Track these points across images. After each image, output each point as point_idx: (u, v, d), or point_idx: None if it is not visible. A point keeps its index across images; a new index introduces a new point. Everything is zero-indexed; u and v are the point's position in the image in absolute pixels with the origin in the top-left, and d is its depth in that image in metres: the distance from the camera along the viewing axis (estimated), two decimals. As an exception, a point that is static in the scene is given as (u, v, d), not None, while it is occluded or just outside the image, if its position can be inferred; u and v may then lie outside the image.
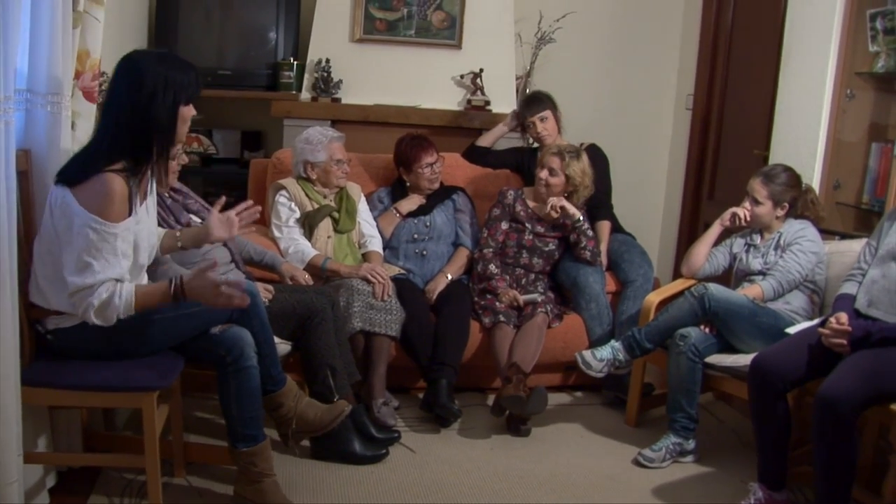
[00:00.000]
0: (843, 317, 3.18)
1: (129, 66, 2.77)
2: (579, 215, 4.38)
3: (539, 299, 4.32)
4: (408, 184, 4.59)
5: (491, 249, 4.45)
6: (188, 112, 2.86)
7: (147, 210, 2.95)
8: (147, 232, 2.92)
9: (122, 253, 2.72)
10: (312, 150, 4.24)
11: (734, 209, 4.03)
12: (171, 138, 2.83)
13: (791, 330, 3.51)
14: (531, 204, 4.52)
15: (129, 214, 2.75)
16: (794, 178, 3.94)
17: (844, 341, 3.12)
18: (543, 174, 4.40)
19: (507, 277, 4.43)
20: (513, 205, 4.51)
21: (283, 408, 3.32)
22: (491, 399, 4.21)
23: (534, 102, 4.71)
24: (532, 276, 4.49)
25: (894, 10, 3.83)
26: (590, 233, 4.41)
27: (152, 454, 2.89)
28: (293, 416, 3.32)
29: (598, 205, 4.63)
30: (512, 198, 4.52)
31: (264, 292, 3.46)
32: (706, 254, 4.12)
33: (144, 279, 3.04)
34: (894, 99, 3.92)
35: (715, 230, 4.11)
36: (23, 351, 2.82)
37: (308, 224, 4.21)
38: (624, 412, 4.24)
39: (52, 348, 2.90)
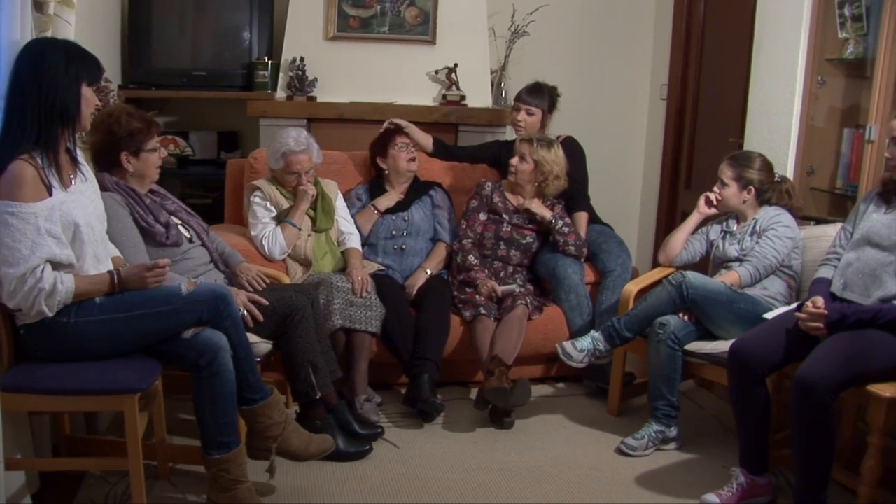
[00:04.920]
0: (819, 300, 3.21)
1: (30, 54, 2.79)
2: (550, 215, 4.42)
3: (517, 290, 4.34)
4: (385, 171, 4.61)
5: (469, 240, 4.47)
6: (91, 94, 2.87)
7: (83, 192, 2.92)
8: (84, 211, 2.88)
9: (47, 232, 2.71)
10: (273, 155, 4.24)
11: (705, 193, 4.09)
12: (76, 120, 2.84)
13: (769, 315, 3.54)
14: (509, 196, 4.54)
15: (50, 195, 2.75)
16: (763, 163, 3.99)
17: (821, 325, 3.14)
18: (514, 160, 4.44)
19: (486, 270, 4.45)
20: (490, 196, 4.53)
21: (268, 422, 3.19)
22: (474, 393, 4.23)
23: (533, 93, 4.70)
24: (510, 268, 4.51)
25: (861, -2, 3.88)
26: (566, 229, 4.44)
27: (135, 456, 2.88)
28: (278, 434, 3.21)
29: (575, 196, 4.65)
30: (490, 189, 4.54)
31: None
32: (683, 241, 4.16)
33: (108, 267, 3.02)
34: (864, 84, 3.96)
35: (693, 219, 4.16)
36: (0, 357, 2.81)
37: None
38: (606, 402, 4.27)
39: (28, 350, 2.88)
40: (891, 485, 3.26)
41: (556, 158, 4.42)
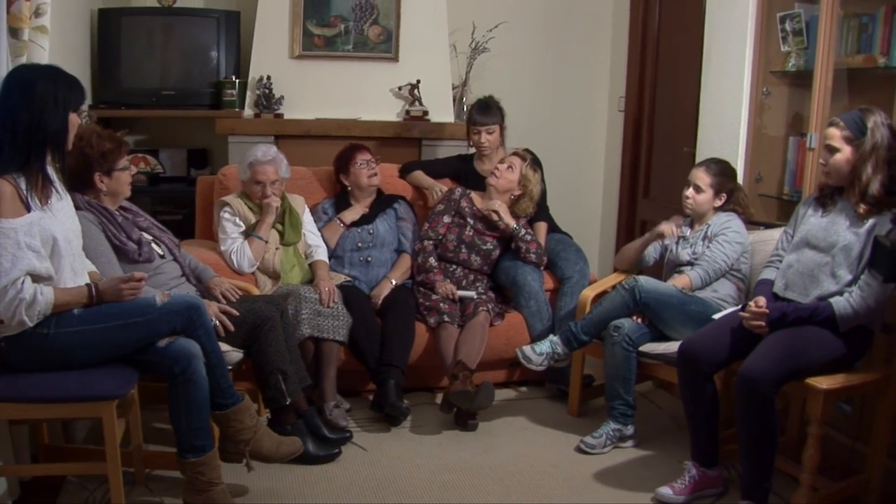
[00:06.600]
0: (761, 300, 3.37)
1: (20, 81, 2.92)
2: (514, 224, 4.56)
3: (475, 296, 4.48)
4: (349, 187, 4.72)
5: (431, 241, 4.62)
6: (76, 119, 3.01)
7: (60, 209, 3.03)
8: (62, 227, 3.00)
9: (27, 246, 2.83)
10: (241, 167, 4.38)
11: (673, 223, 4.24)
12: (65, 145, 2.98)
13: (717, 316, 3.68)
14: (476, 201, 4.70)
15: (28, 211, 2.86)
16: (732, 171, 4.14)
17: (762, 323, 3.31)
18: (501, 167, 4.60)
19: (448, 278, 4.59)
20: (458, 200, 4.69)
21: (240, 426, 3.31)
22: (439, 398, 4.33)
23: (485, 113, 4.79)
24: (472, 276, 4.65)
25: (800, 13, 4.06)
26: (528, 237, 4.58)
27: (114, 460, 2.99)
28: (250, 438, 3.33)
29: (535, 207, 4.79)
30: (459, 194, 4.71)
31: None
32: (638, 253, 4.32)
33: (84, 280, 3.12)
34: (807, 95, 4.11)
35: (652, 238, 4.28)
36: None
37: (253, 236, 4.32)
38: (566, 404, 4.40)
39: (8, 361, 2.98)
40: (830, 472, 3.45)
41: (536, 182, 4.63)
